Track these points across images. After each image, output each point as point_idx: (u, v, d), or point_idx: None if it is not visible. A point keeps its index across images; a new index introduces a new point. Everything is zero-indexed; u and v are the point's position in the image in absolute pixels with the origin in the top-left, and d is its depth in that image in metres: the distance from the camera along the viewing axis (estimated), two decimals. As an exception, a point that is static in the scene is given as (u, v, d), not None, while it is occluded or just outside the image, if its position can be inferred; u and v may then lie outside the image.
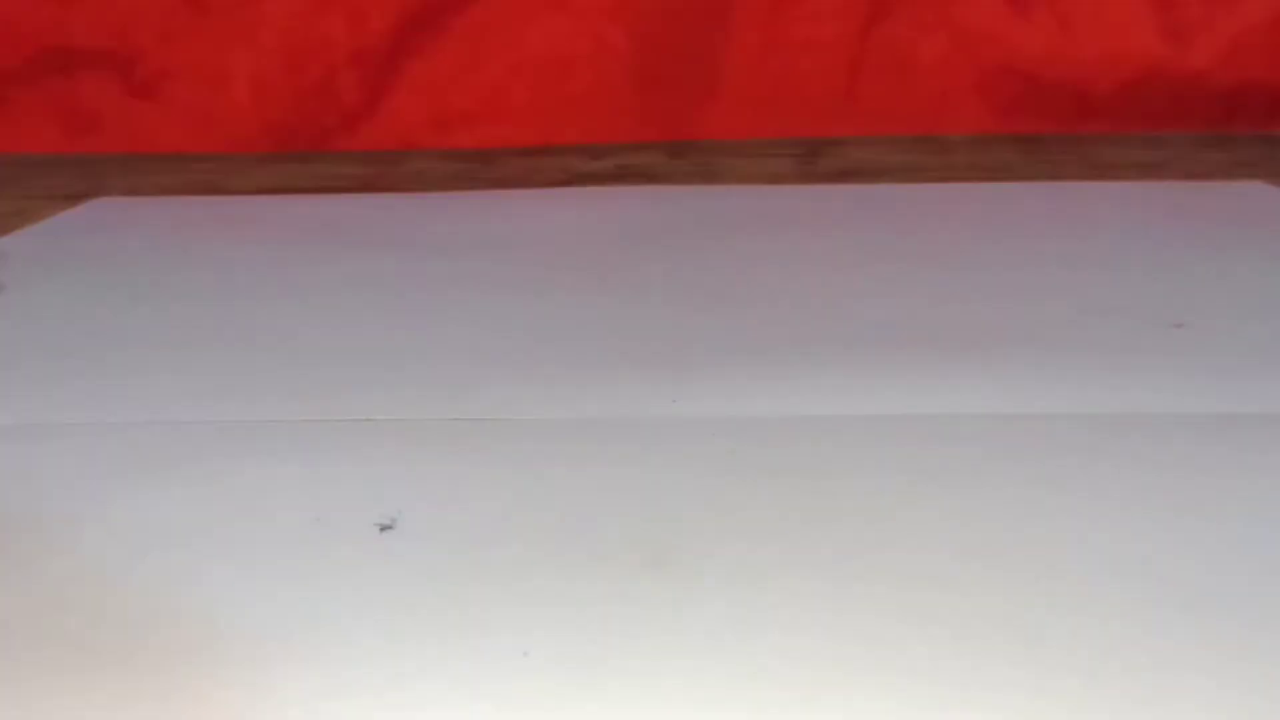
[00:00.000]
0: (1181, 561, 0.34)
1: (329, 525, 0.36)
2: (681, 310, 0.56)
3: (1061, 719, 0.28)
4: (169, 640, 0.31)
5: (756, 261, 0.64)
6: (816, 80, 1.00)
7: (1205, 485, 0.38)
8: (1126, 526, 0.36)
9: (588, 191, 0.84)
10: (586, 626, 0.31)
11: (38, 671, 0.30)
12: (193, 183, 0.90)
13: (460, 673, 0.30)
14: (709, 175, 0.88)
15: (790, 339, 0.52)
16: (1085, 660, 0.30)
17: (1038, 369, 0.47)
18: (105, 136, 1.02)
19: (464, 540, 0.35)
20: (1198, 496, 0.38)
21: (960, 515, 0.37)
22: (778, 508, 0.37)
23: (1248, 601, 0.32)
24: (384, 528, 0.36)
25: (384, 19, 1.01)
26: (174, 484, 0.39)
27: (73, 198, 0.83)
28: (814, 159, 0.94)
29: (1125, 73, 0.99)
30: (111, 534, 0.36)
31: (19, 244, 0.71)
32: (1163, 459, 0.40)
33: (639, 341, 0.52)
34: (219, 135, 1.01)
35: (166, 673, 0.30)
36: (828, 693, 0.29)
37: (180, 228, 0.76)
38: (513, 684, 0.29)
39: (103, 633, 0.31)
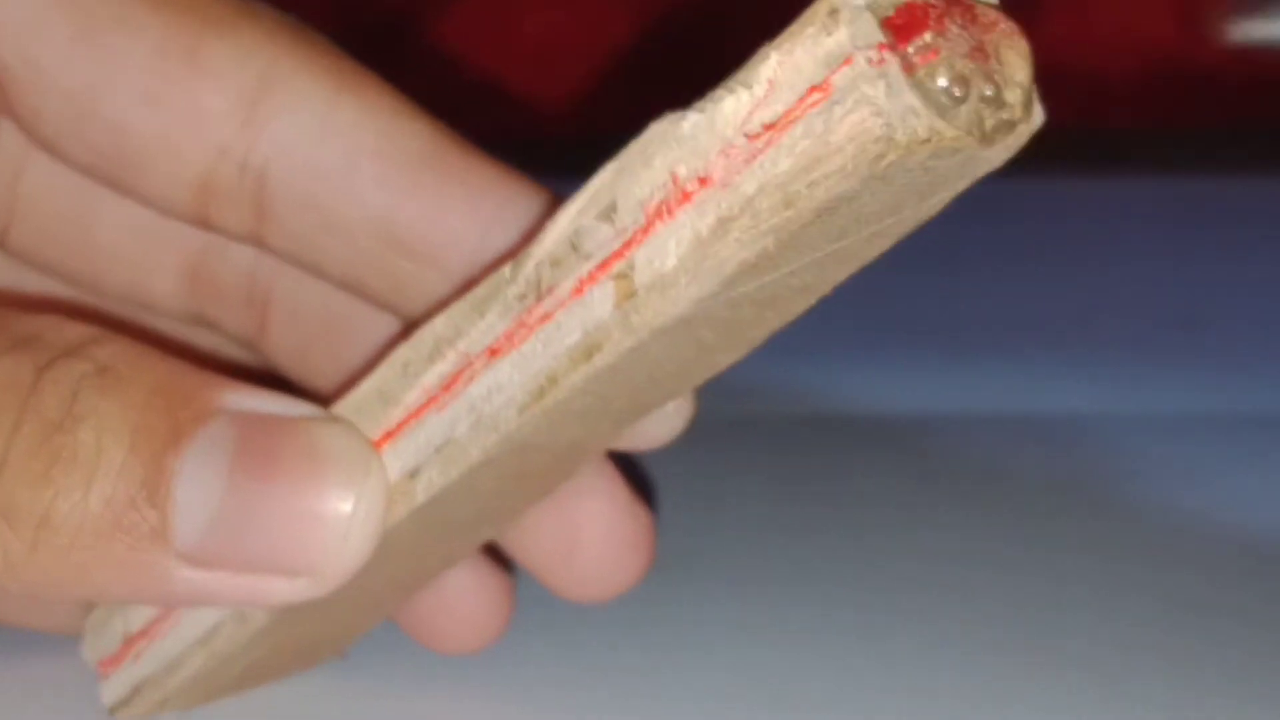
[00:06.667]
0: (1192, 564, 0.34)
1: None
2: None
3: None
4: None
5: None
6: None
7: (1215, 487, 0.38)
8: (1134, 528, 0.36)
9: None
10: (585, 630, 0.31)
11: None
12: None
13: (455, 675, 0.29)
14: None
15: (792, 338, 0.51)
16: (1097, 666, 0.29)
17: (1047, 368, 0.47)
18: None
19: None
20: (1207, 498, 0.37)
21: (967, 517, 0.36)
22: (781, 509, 0.37)
23: (1261, 606, 0.32)
24: None
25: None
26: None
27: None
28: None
29: (1142, 63, 0.98)
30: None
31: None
32: (1172, 460, 0.40)
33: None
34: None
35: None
36: (829, 697, 0.28)
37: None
38: (510, 686, 0.29)
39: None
